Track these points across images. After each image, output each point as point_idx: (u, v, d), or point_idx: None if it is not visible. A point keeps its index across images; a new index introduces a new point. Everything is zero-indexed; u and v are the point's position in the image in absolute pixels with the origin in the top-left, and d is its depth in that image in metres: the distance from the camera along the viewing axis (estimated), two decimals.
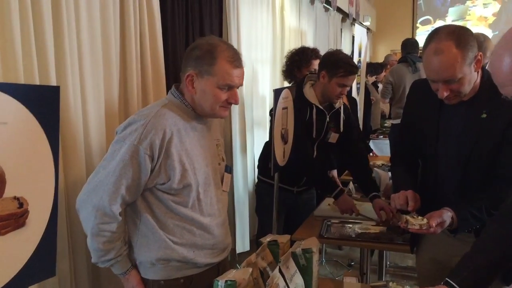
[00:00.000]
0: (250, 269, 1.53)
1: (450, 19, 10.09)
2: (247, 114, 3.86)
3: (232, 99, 1.68)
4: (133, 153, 1.56)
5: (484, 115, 1.72)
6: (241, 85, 1.71)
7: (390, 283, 1.68)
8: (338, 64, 2.59)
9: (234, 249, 3.74)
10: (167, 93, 2.57)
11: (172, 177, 1.62)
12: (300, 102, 2.68)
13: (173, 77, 2.75)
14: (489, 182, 1.73)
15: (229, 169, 1.86)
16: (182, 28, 3.01)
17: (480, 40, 2.79)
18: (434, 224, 1.68)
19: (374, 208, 2.58)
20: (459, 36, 1.62)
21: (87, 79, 2.10)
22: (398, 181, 2.01)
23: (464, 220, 1.72)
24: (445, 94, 1.68)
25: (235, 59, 1.65)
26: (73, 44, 2.01)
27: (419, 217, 1.72)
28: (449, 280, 1.47)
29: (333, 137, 2.82)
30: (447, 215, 1.70)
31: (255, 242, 3.41)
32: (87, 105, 2.11)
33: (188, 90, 1.69)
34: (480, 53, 1.68)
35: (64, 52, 1.95)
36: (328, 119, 2.78)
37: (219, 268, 1.79)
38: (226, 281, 1.42)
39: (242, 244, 3.84)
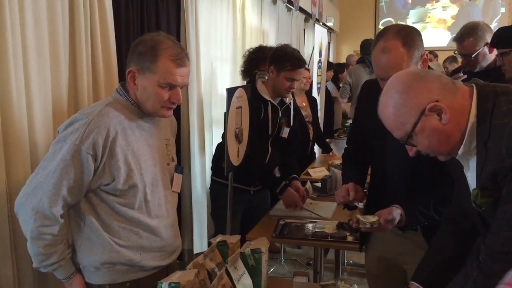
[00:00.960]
0: (196, 270, 1.50)
1: (410, 21, 10.33)
2: (205, 113, 3.83)
3: (174, 99, 1.63)
4: (75, 153, 1.51)
5: None
6: (186, 84, 1.66)
7: (339, 282, 1.68)
8: (285, 58, 2.62)
9: (191, 249, 3.70)
10: None
11: (117, 177, 1.57)
12: (255, 99, 2.67)
13: (125, 77, 2.68)
14: (436, 180, 1.77)
15: (180, 169, 1.83)
16: (137, 26, 2.95)
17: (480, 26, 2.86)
18: (383, 222, 1.71)
19: (291, 187, 2.72)
20: (406, 35, 1.66)
21: (32, 75, 2.02)
22: (344, 176, 2.06)
23: (412, 217, 1.76)
24: None
25: (179, 57, 1.60)
26: (16, 35, 1.92)
27: (370, 216, 1.75)
28: (413, 282, 1.50)
29: (286, 132, 2.84)
30: (396, 212, 1.73)
31: None
32: (32, 102, 2.03)
33: (131, 87, 1.64)
34: (427, 52, 1.73)
35: (6, 45, 1.86)
36: (280, 114, 2.79)
37: (167, 272, 1.72)
38: (170, 283, 1.39)
39: (200, 244, 3.80)
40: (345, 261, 3.78)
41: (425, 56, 1.71)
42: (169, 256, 1.77)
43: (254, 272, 1.71)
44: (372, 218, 1.73)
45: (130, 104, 1.65)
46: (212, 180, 3.07)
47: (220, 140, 3.02)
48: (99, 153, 1.53)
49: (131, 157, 1.60)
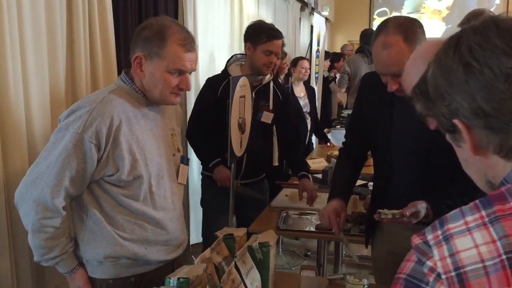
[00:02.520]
0: (204, 265, 1.46)
1: (405, 11, 10.27)
2: None
3: (184, 85, 1.57)
4: (77, 142, 1.45)
5: None
6: (194, 70, 1.61)
7: (348, 276, 1.64)
8: (260, 30, 2.54)
9: (188, 240, 3.66)
10: None
11: (121, 168, 1.51)
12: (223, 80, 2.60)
13: (124, 63, 2.61)
14: (450, 174, 1.73)
15: (185, 160, 1.77)
16: (135, 13, 2.87)
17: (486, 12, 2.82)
18: (407, 214, 1.65)
19: (298, 188, 2.59)
20: (407, 29, 1.61)
21: (29, 63, 1.94)
22: (334, 181, 2.03)
23: (440, 212, 1.70)
24: (394, 87, 1.67)
25: (188, 42, 1.54)
26: (13, 24, 1.85)
27: (394, 210, 1.69)
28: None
29: (266, 117, 2.70)
30: (422, 206, 1.67)
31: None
32: (29, 92, 1.96)
33: (136, 74, 1.58)
34: None
35: (3, 34, 1.78)
36: (254, 95, 2.65)
37: (173, 266, 1.69)
38: (178, 278, 1.35)
39: (197, 235, 3.76)
40: (344, 252, 3.76)
41: None
42: (175, 250, 1.72)
43: (262, 265, 1.67)
44: (395, 211, 1.67)
45: (134, 92, 1.59)
46: (202, 175, 3.01)
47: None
48: (102, 142, 1.47)
49: (136, 147, 1.54)
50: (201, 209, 3.78)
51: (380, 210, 1.66)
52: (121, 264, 1.59)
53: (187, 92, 3.38)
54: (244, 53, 2.74)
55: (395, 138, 1.80)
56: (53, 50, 2.09)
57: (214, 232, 2.70)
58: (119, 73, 2.45)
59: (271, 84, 2.74)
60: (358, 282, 1.56)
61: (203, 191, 3.00)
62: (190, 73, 1.59)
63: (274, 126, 2.86)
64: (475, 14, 2.81)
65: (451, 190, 1.71)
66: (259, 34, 2.53)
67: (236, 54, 2.82)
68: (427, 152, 1.72)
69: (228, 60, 2.84)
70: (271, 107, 2.71)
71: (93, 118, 1.46)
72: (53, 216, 1.49)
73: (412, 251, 0.71)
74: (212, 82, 2.74)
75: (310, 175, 2.74)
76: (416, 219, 1.66)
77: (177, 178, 1.72)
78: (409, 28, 1.61)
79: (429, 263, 0.66)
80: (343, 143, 2.14)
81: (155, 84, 1.55)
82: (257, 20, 2.74)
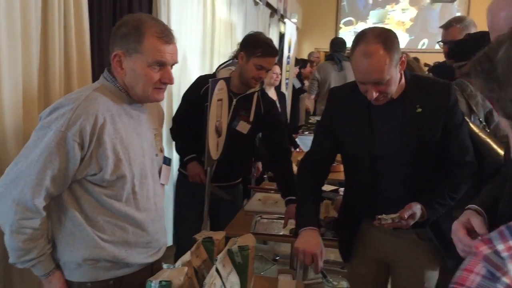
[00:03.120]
0: (186, 269, 1.45)
1: (371, 22, 10.50)
2: (174, 105, 3.73)
3: (166, 79, 1.55)
4: (60, 140, 1.41)
5: (419, 110, 1.78)
6: (176, 62, 1.58)
7: (325, 280, 1.67)
8: (257, 43, 2.53)
9: None
10: (92, 77, 2.44)
11: (105, 167, 1.48)
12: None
13: (98, 61, 2.58)
14: (435, 173, 1.80)
15: (168, 161, 1.76)
16: (109, 13, 2.83)
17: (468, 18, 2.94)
18: (406, 216, 1.70)
19: (285, 215, 2.47)
20: (386, 38, 1.67)
21: (3, 60, 1.89)
22: (301, 207, 1.97)
23: (433, 210, 1.78)
24: (375, 95, 1.72)
25: (165, 34, 1.52)
26: None
27: (391, 214, 1.73)
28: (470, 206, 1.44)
29: (242, 126, 2.67)
30: (417, 207, 1.74)
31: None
32: (2, 88, 1.90)
33: (117, 73, 1.55)
34: (404, 54, 1.76)
35: None
36: (235, 102, 2.66)
37: (152, 269, 1.67)
38: (160, 281, 1.33)
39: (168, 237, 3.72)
40: None
41: (403, 59, 1.75)
42: (155, 253, 1.70)
43: (241, 269, 1.67)
44: (393, 215, 1.72)
45: (118, 90, 1.57)
46: (179, 172, 2.95)
47: None
48: (86, 140, 1.44)
49: (120, 146, 1.51)
50: (171, 212, 3.76)
51: (379, 216, 1.70)
52: (100, 267, 1.56)
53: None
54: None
55: (378, 150, 1.83)
56: (27, 48, 2.03)
57: (185, 233, 2.69)
58: (93, 70, 2.44)
59: (256, 94, 2.71)
60: (337, 285, 1.59)
61: (178, 187, 3.01)
62: (171, 66, 1.57)
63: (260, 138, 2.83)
64: (457, 19, 2.95)
65: (440, 188, 1.80)
66: (256, 47, 2.52)
67: (233, 60, 2.78)
68: (414, 159, 1.78)
69: (222, 64, 2.84)
70: (251, 118, 2.68)
71: (77, 116, 1.43)
72: (33, 217, 1.45)
73: (475, 260, 0.61)
74: (199, 80, 2.74)
75: None
76: (413, 220, 1.71)
77: (159, 179, 1.70)
78: (388, 37, 1.68)
79: (506, 280, 0.57)
80: (306, 153, 2.13)
81: (137, 81, 1.53)
82: (257, 32, 2.71)
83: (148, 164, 1.62)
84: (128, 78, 1.54)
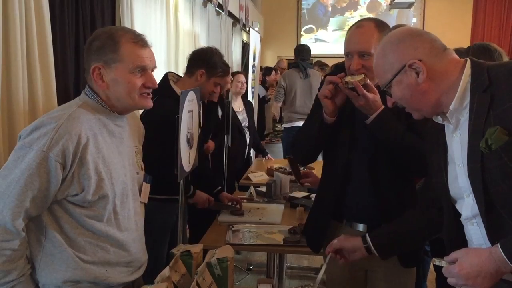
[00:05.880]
0: (165, 284, 1.43)
1: (331, 29, 10.70)
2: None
3: (149, 82, 1.54)
4: (42, 161, 1.37)
5: None
6: (155, 67, 1.59)
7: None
8: (217, 64, 2.73)
9: None
10: (57, 96, 2.37)
11: (87, 187, 1.44)
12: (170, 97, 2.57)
13: (62, 79, 2.51)
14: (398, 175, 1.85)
15: (148, 178, 1.72)
16: (72, 25, 2.76)
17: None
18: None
19: (222, 201, 2.87)
20: (380, 21, 1.86)
21: None
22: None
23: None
24: (356, 67, 1.77)
25: (140, 38, 1.53)
26: None
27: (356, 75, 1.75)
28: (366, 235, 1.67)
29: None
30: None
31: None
32: None
33: (99, 86, 1.52)
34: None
35: None
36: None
37: (133, 287, 1.63)
38: None
39: None
40: (286, 264, 3.80)
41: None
42: (136, 271, 1.66)
43: (221, 282, 1.66)
44: (358, 77, 1.72)
45: (101, 107, 1.54)
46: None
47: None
48: (68, 161, 1.40)
49: (102, 165, 1.48)
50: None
51: (344, 79, 1.73)
52: None
53: None
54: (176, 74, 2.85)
55: (355, 134, 1.89)
56: None
57: (161, 251, 2.64)
58: (57, 91, 2.37)
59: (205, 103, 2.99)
60: None
61: (154, 215, 2.90)
62: (152, 70, 1.57)
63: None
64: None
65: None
66: (216, 67, 2.72)
67: (169, 73, 2.82)
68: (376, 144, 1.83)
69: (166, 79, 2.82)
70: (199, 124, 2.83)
71: (59, 135, 1.39)
72: (12, 239, 1.39)
73: None
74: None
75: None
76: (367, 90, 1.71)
77: (139, 197, 1.67)
78: (382, 22, 1.86)
79: None
80: (291, 149, 2.22)
81: (121, 90, 1.51)
82: (211, 47, 2.84)
83: (129, 183, 1.60)
84: (112, 89, 1.52)
